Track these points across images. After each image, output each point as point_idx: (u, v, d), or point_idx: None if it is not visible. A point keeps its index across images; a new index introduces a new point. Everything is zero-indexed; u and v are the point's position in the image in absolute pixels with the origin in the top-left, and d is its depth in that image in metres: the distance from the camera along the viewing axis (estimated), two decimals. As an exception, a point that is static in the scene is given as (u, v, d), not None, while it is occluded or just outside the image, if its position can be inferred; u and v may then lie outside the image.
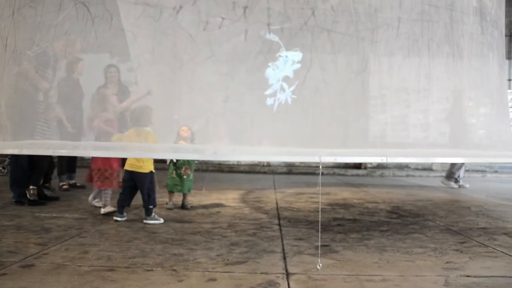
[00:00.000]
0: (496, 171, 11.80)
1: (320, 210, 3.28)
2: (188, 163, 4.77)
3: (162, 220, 4.00)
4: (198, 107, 3.91)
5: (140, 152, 3.68)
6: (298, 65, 3.58)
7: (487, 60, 4.02)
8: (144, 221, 3.95)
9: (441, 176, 11.23)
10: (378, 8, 3.52)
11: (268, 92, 3.62)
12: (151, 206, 4.01)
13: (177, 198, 4.92)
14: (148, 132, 3.79)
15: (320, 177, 3.09)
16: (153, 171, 4.09)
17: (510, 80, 12.27)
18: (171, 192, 4.80)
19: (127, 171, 4.09)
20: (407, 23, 3.53)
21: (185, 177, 4.74)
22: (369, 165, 11.72)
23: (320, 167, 2.98)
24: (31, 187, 4.77)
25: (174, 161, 4.71)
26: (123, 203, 4.06)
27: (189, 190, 4.84)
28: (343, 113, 3.55)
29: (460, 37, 3.77)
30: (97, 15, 3.30)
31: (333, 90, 3.58)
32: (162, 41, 3.70)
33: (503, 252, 3.13)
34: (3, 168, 8.04)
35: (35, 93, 3.45)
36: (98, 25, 3.32)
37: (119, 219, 3.98)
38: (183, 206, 4.78)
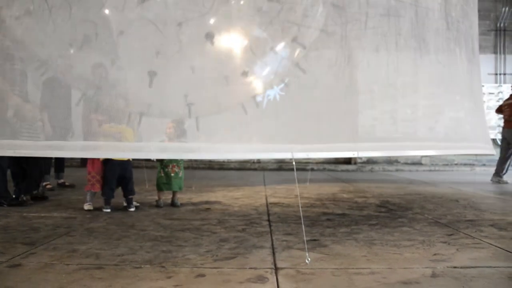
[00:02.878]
0: (484, 165, 11.95)
1: (300, 205, 3.29)
2: (175, 160, 4.76)
3: (138, 204, 4.64)
4: (186, 105, 3.90)
5: (128, 152, 3.65)
6: (286, 61, 3.58)
7: (454, 54, 4.06)
8: (129, 209, 4.46)
9: (430, 171, 11.34)
10: (347, 3, 3.53)
11: (257, 89, 3.62)
12: (133, 195, 4.57)
13: (167, 196, 4.91)
14: (126, 128, 3.81)
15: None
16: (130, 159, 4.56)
17: (505, 74, 12.43)
18: (160, 191, 4.79)
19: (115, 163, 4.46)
20: (374, 17, 3.55)
21: (173, 175, 4.73)
22: (359, 160, 11.81)
23: (294, 162, 2.98)
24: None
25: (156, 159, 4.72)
26: (109, 196, 4.47)
27: (180, 188, 4.83)
28: (317, 109, 3.54)
29: (426, 32, 3.81)
30: (54, 5, 3.17)
31: (305, 86, 3.58)
32: (133, 32, 3.54)
33: (490, 243, 3.18)
34: None
35: (14, 92, 3.38)
36: (56, 15, 3.18)
37: (108, 210, 4.38)
38: (173, 204, 4.77)
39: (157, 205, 4.70)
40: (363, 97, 3.66)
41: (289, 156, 2.93)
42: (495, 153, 4.78)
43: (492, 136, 10.40)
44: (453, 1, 3.99)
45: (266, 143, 3.32)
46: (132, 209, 4.46)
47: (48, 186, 5.92)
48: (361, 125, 3.64)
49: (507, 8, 12.35)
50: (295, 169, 3.02)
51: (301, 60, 3.47)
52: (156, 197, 4.82)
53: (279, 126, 3.41)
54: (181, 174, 4.81)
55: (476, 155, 11.26)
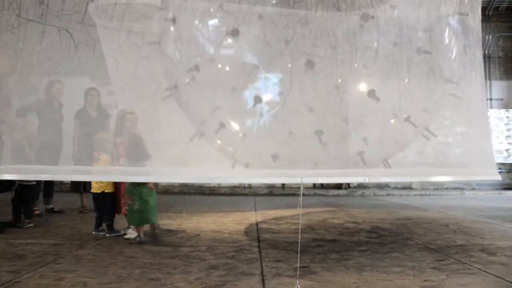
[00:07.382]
0: (473, 189, 12.04)
1: (300, 231, 3.28)
2: (129, 191, 4.16)
3: (121, 232, 4.49)
4: (178, 130, 3.92)
5: (121, 176, 3.66)
6: (279, 88, 3.63)
7: (470, 79, 4.08)
8: (107, 235, 4.46)
9: (420, 195, 11.39)
10: (357, 31, 3.60)
11: (248, 114, 3.66)
12: (109, 222, 4.54)
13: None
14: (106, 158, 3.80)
15: (301, 198, 3.10)
16: (105, 191, 4.51)
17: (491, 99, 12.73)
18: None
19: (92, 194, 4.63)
20: (385, 45, 3.60)
21: (127, 207, 4.21)
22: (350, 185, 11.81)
23: (302, 188, 2.97)
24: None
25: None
26: (98, 221, 4.61)
27: (136, 224, 4.18)
28: (324, 134, 3.58)
29: (440, 57, 3.84)
30: (80, 41, 3.35)
31: (313, 112, 3.63)
32: (144, 66, 3.73)
33: (479, 269, 3.18)
34: None
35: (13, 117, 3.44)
36: (82, 51, 3.36)
37: (96, 233, 4.54)
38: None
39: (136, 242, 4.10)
40: (371, 123, 3.71)
41: (299, 181, 2.93)
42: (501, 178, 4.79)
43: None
44: (471, 25, 4.02)
45: (278, 169, 3.37)
46: (110, 235, 4.43)
47: (37, 212, 5.83)
48: (371, 151, 3.67)
49: (491, 36, 12.72)
50: (301, 195, 3.01)
51: (309, 89, 3.54)
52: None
53: (289, 151, 3.48)
54: (136, 206, 4.09)
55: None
